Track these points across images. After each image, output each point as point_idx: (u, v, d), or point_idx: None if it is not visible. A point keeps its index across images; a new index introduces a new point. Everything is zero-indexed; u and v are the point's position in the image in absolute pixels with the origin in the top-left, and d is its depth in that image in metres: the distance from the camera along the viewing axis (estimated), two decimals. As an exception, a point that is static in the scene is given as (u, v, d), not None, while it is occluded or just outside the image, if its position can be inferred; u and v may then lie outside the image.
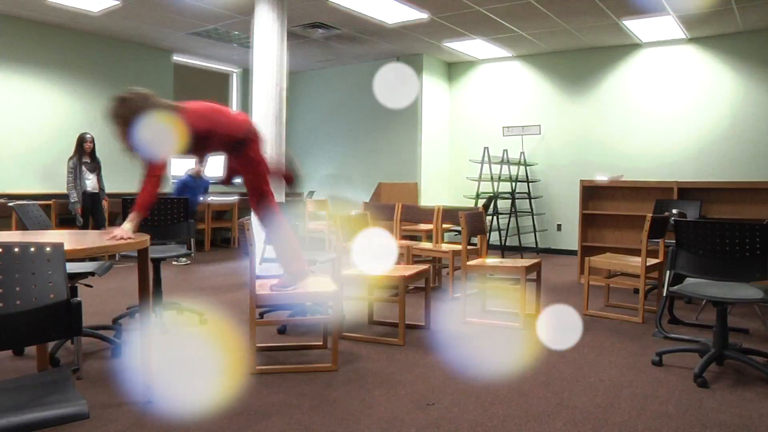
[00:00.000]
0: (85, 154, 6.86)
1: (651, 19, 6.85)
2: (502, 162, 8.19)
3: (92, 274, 3.35)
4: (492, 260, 4.62)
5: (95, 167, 6.97)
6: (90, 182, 6.91)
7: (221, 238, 9.57)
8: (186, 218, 4.15)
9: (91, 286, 5.03)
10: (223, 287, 5.66)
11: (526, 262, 4.36)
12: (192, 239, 4.22)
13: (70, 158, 6.80)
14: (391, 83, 9.21)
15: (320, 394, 2.81)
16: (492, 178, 8.09)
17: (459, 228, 5.86)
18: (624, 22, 7.00)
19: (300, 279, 3.24)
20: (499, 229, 8.33)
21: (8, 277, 1.69)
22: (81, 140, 6.85)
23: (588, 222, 6.40)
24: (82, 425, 2.41)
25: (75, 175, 6.75)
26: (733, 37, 7.47)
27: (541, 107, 8.81)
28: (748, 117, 7.44)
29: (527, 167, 8.75)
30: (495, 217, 8.25)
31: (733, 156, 7.52)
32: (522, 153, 8.60)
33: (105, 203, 7.06)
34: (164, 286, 4.53)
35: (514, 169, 8.58)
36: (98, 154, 7.03)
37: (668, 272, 3.21)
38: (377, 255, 4.32)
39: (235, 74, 10.14)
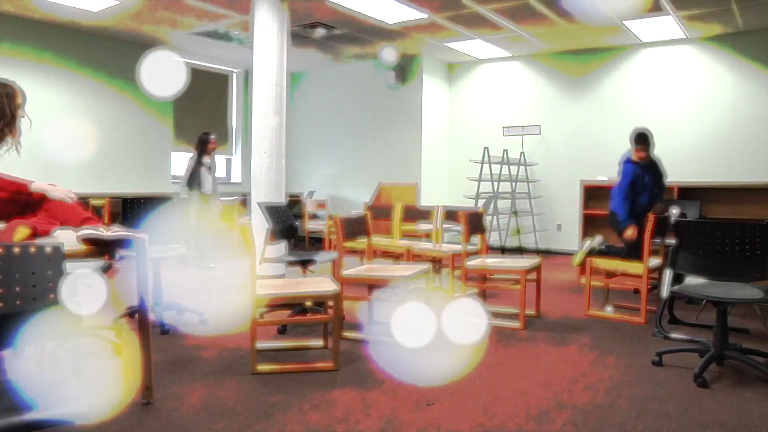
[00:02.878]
0: (206, 154, 6.43)
1: (651, 19, 6.85)
2: (502, 162, 8.18)
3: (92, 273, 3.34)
4: (492, 260, 4.62)
5: (213, 168, 6.56)
6: (208, 184, 6.47)
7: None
8: (185, 218, 4.14)
9: (91, 287, 5.02)
10: (223, 287, 5.66)
11: (526, 262, 4.35)
12: (192, 239, 4.22)
13: (191, 157, 6.47)
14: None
15: (320, 394, 2.81)
16: (492, 178, 8.08)
17: (459, 228, 5.86)
18: (624, 22, 7.00)
19: None
20: (499, 229, 8.32)
21: (8, 277, 1.69)
22: (204, 140, 6.42)
23: (588, 222, 6.40)
24: (81, 425, 2.41)
25: (192, 174, 6.37)
26: (733, 37, 7.46)
27: (541, 107, 8.80)
28: (748, 117, 7.43)
29: (527, 167, 8.75)
30: (495, 217, 8.25)
31: (733, 156, 7.52)
32: (522, 153, 8.60)
33: (218, 205, 6.57)
34: (164, 286, 4.55)
35: (514, 169, 8.58)
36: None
37: (668, 272, 3.21)
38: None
39: (235, 74, 10.14)
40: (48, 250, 1.77)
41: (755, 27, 7.20)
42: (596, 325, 4.29)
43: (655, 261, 4.61)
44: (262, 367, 3.16)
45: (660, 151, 7.97)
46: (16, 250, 1.71)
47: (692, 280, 3.25)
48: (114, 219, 7.49)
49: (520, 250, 8.48)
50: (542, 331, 4.08)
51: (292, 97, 10.36)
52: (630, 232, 4.91)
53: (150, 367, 2.68)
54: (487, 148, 8.23)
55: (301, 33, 7.68)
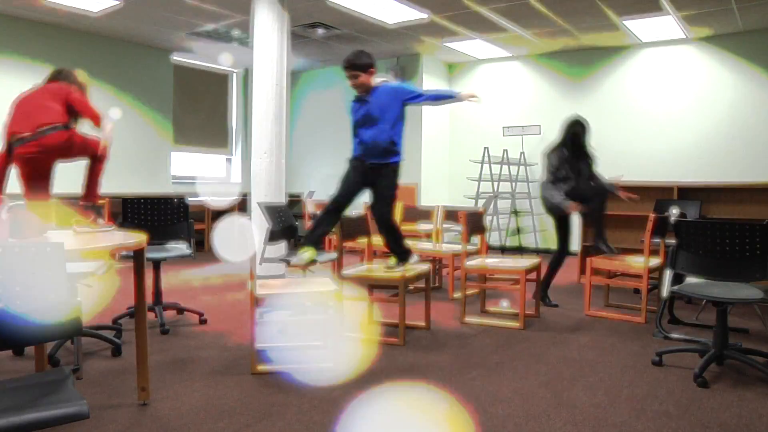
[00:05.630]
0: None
1: (651, 19, 6.85)
2: (502, 162, 8.18)
3: (92, 274, 3.34)
4: (492, 260, 4.62)
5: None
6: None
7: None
8: (185, 218, 4.15)
9: (91, 286, 5.02)
10: (223, 287, 5.66)
11: (526, 262, 4.36)
12: (192, 239, 4.22)
13: (553, 150, 4.96)
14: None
15: (320, 394, 2.81)
16: (492, 178, 8.08)
17: (459, 228, 5.87)
18: (624, 22, 7.00)
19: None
20: (499, 229, 8.32)
21: (8, 277, 1.69)
22: (575, 129, 4.81)
23: (588, 222, 6.39)
24: (81, 425, 2.41)
25: (562, 167, 4.79)
26: (733, 37, 7.46)
27: (541, 107, 8.80)
28: (748, 117, 7.43)
29: (527, 167, 8.75)
30: (495, 217, 8.25)
31: (733, 156, 7.52)
32: (522, 153, 8.60)
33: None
34: (164, 286, 4.56)
35: (514, 169, 8.57)
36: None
37: (668, 272, 3.21)
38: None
39: (235, 74, 10.14)
40: (48, 250, 1.77)
41: (755, 27, 7.20)
42: (596, 325, 4.30)
43: (655, 261, 4.61)
44: (262, 367, 3.16)
45: (660, 150, 8.00)
46: (16, 250, 1.71)
47: (692, 280, 3.25)
48: (115, 218, 7.49)
49: (520, 250, 8.48)
50: (542, 331, 4.08)
51: (292, 97, 10.35)
52: None
53: (147, 368, 2.68)
54: (487, 148, 8.23)
55: (301, 33, 7.68)
